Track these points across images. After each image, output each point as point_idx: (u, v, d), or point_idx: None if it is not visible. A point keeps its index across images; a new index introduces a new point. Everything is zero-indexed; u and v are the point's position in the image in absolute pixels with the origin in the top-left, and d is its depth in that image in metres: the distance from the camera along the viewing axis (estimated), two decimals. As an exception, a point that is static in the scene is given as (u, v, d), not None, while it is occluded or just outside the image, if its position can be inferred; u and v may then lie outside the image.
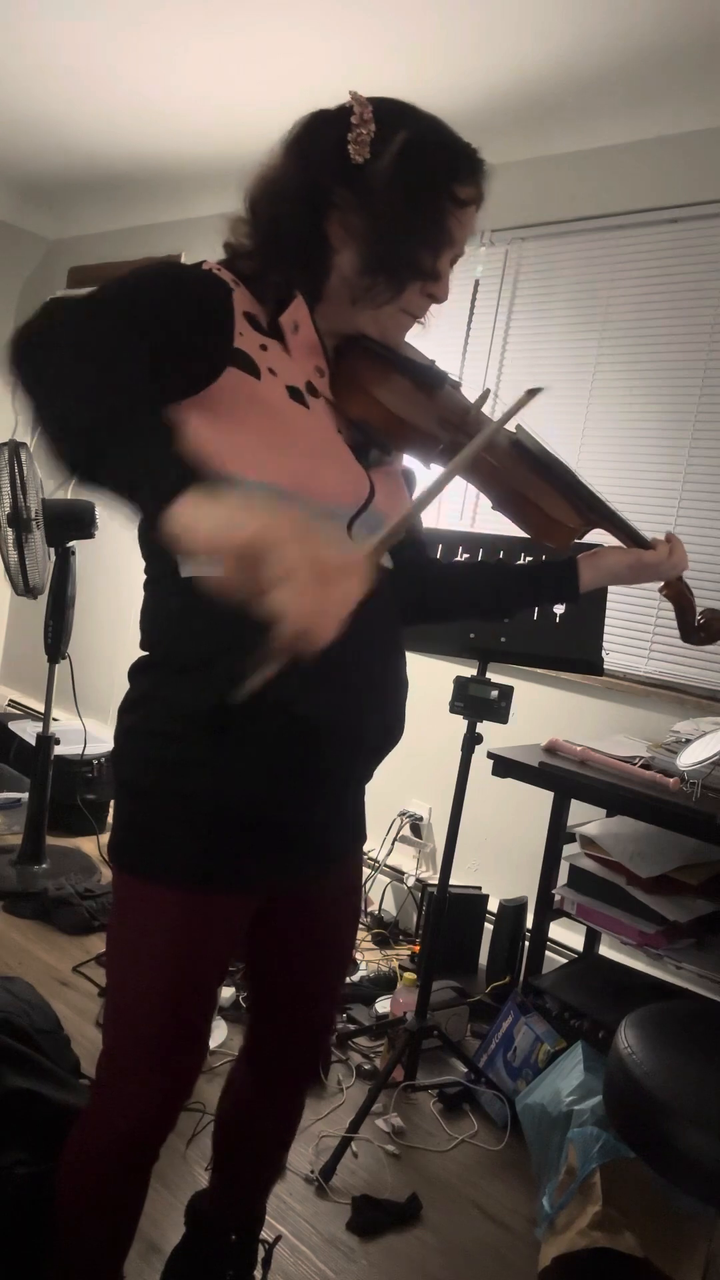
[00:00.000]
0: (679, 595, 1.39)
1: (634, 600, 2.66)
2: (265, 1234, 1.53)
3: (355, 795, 1.23)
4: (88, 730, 3.59)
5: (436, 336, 3.68)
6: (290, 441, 1.01)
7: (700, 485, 2.59)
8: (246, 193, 1.09)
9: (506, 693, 2.09)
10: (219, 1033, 2.30)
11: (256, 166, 1.09)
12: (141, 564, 1.11)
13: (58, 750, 3.19)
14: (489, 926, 2.79)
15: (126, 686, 1.12)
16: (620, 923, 2.15)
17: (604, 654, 2.09)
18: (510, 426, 1.24)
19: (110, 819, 1.11)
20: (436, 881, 2.29)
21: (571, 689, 2.79)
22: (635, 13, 2.18)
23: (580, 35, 2.31)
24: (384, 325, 1.12)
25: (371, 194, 1.03)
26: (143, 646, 1.11)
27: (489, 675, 2.14)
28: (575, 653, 2.09)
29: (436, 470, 1.18)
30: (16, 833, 3.27)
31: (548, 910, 2.33)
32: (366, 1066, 2.28)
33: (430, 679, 2.67)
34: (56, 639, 3.06)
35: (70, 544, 3.04)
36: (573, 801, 2.34)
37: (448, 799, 2.19)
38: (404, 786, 3.16)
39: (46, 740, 3.13)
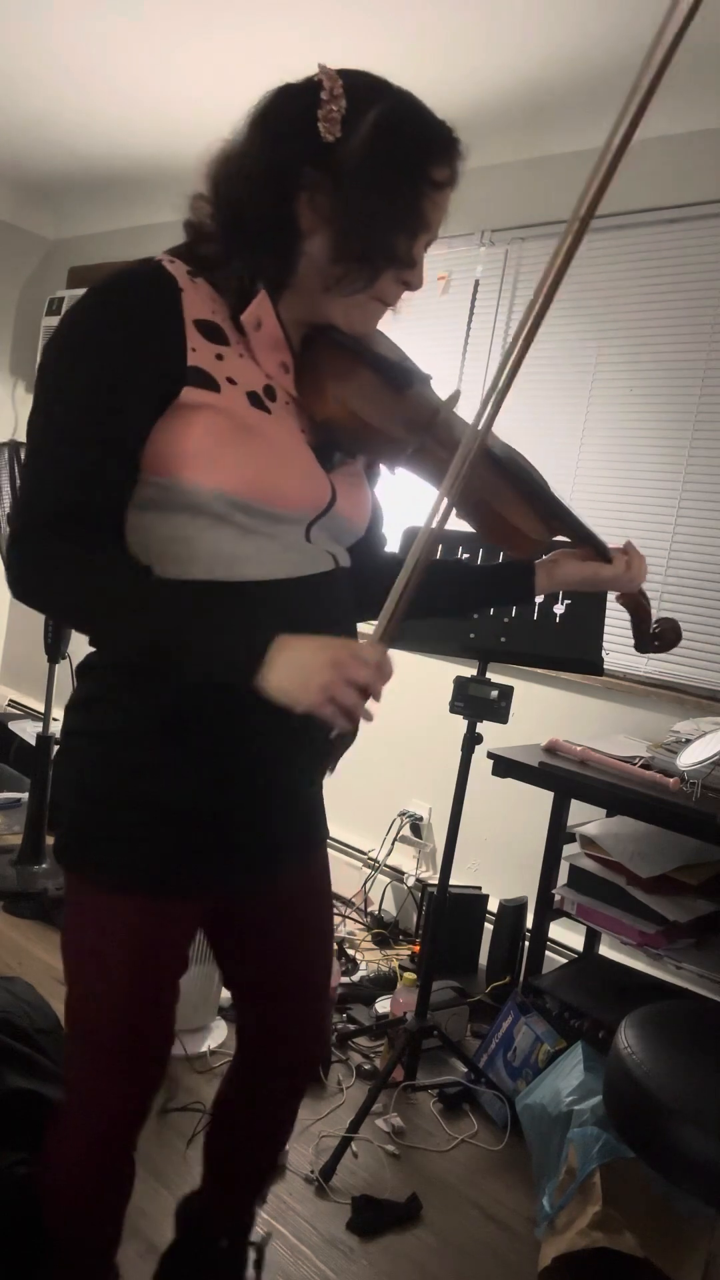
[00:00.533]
0: (636, 606, 1.37)
1: (634, 600, 2.66)
2: (259, 1231, 1.52)
3: (308, 796, 1.22)
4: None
5: (436, 336, 3.67)
6: (249, 450, 0.98)
7: (700, 485, 2.59)
8: (208, 171, 1.02)
9: (506, 693, 2.09)
10: (219, 1033, 2.30)
11: (219, 143, 1.02)
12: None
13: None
14: (489, 926, 2.79)
15: None
16: (620, 923, 2.15)
17: (604, 654, 2.09)
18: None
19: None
20: (436, 881, 2.28)
21: (571, 689, 2.79)
22: (635, 13, 2.18)
23: (580, 35, 2.31)
24: (354, 314, 1.07)
25: (343, 176, 0.98)
26: (91, 643, 1.09)
27: (489, 675, 2.14)
28: (575, 653, 2.09)
29: (411, 474, 1.15)
30: (16, 833, 3.27)
31: (548, 910, 2.33)
32: (366, 1066, 2.28)
33: (430, 679, 2.67)
34: (56, 639, 3.06)
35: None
36: (573, 801, 2.34)
37: (448, 799, 2.19)
38: (404, 786, 3.16)
39: (46, 740, 3.13)
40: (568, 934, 2.68)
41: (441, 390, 1.19)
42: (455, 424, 1.16)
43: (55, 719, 3.21)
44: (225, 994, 2.37)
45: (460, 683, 2.12)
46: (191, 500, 0.98)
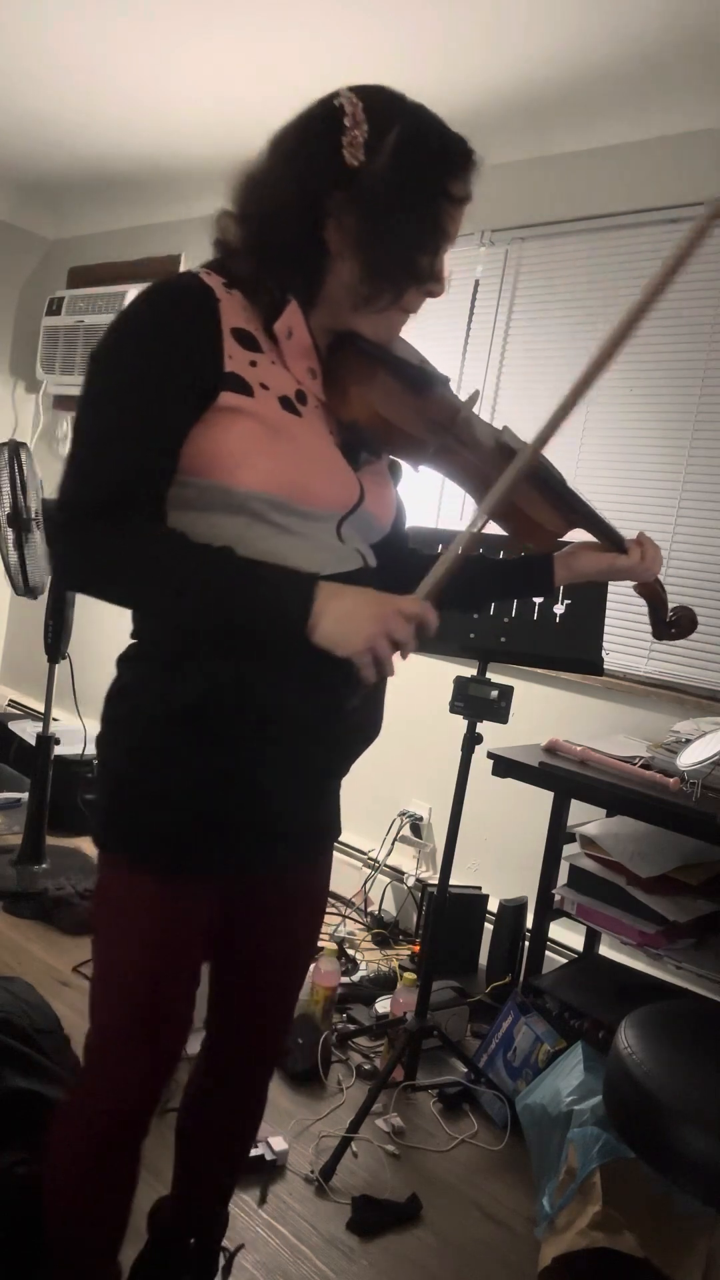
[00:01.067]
0: (653, 594, 1.41)
1: (634, 600, 2.65)
2: (230, 1243, 1.52)
3: (331, 789, 1.26)
4: (88, 730, 3.59)
5: (436, 336, 3.67)
6: (282, 451, 1.04)
7: (700, 485, 2.58)
8: (235, 196, 1.09)
9: (506, 693, 2.09)
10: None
11: (243, 166, 1.08)
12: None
13: (58, 750, 3.19)
14: (489, 926, 2.79)
15: None
16: (620, 923, 2.15)
17: (604, 654, 2.09)
18: (498, 426, 1.25)
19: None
20: (436, 881, 2.29)
21: (571, 689, 2.79)
22: (635, 12, 2.18)
23: (580, 35, 2.31)
24: (380, 323, 1.12)
25: (368, 200, 1.03)
26: (133, 635, 1.15)
27: (489, 675, 2.14)
28: (575, 653, 2.09)
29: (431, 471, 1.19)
30: (16, 833, 3.27)
31: (548, 910, 2.33)
32: (366, 1066, 2.29)
33: (430, 679, 2.67)
34: (56, 639, 3.06)
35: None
36: (573, 801, 2.34)
37: (448, 799, 2.19)
38: (404, 786, 3.16)
39: (46, 740, 3.13)
40: (568, 934, 2.68)
41: (461, 392, 1.23)
42: (475, 423, 1.21)
43: (55, 719, 3.22)
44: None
45: (460, 683, 2.12)
46: (229, 500, 1.03)
